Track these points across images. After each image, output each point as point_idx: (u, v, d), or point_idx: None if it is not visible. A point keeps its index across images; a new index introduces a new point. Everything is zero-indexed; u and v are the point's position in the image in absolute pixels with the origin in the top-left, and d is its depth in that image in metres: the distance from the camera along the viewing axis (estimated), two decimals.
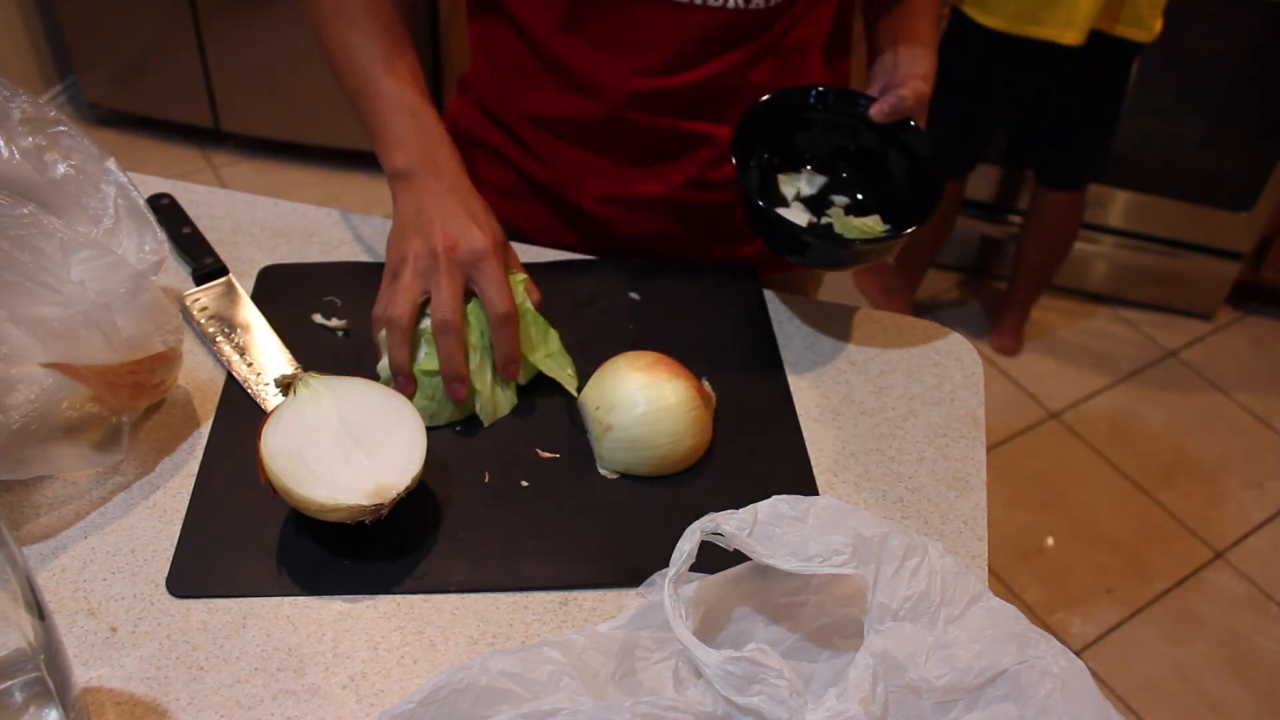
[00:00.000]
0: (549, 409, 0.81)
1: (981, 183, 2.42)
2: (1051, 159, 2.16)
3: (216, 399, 0.81)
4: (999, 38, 1.92)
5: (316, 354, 0.84)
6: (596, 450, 0.77)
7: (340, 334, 0.86)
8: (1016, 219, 2.45)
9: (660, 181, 1.00)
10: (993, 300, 2.47)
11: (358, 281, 0.91)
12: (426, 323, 0.79)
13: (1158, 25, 1.90)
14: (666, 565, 0.62)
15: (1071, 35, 1.87)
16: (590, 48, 0.92)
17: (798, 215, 0.92)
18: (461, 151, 1.07)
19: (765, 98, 0.90)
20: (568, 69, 0.94)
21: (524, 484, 0.76)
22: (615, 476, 0.77)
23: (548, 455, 0.78)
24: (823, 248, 0.88)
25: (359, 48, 0.88)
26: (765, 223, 0.87)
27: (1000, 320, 2.38)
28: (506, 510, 0.74)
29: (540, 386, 0.83)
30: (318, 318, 0.87)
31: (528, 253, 0.96)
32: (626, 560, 0.71)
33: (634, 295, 0.92)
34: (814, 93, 0.92)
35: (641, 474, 0.77)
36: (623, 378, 0.77)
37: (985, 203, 2.46)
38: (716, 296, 0.93)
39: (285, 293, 0.89)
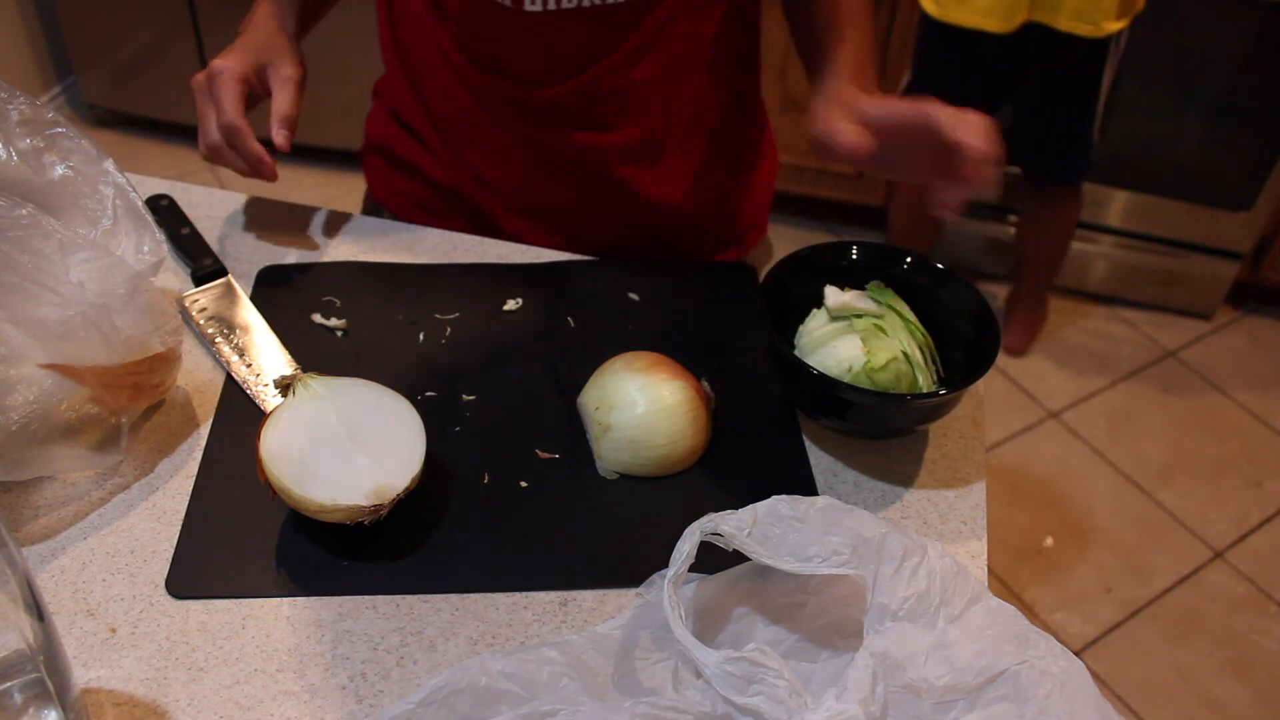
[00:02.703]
0: (547, 409, 0.81)
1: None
2: (1029, 156, 2.15)
3: (216, 400, 0.81)
4: (947, 29, 1.90)
5: (316, 354, 0.84)
6: (596, 451, 0.77)
7: (339, 334, 0.86)
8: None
9: (566, 192, 1.00)
10: (1002, 301, 2.45)
11: (357, 282, 0.91)
12: (848, 324, 0.80)
13: (1111, 24, 1.85)
14: (666, 565, 0.62)
15: (995, 24, 1.84)
16: (466, 58, 0.93)
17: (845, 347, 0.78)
18: (379, 166, 1.09)
19: (800, 251, 0.84)
20: (462, 76, 0.95)
21: (523, 484, 0.76)
22: (615, 477, 0.77)
23: (546, 456, 0.78)
24: (868, 406, 0.76)
25: None
26: (792, 374, 0.78)
27: (1007, 320, 2.38)
28: (506, 511, 0.74)
29: (537, 387, 0.83)
30: (317, 318, 0.87)
31: (527, 253, 0.96)
32: (626, 560, 0.71)
33: (633, 296, 0.92)
34: (854, 248, 0.85)
35: (641, 474, 0.77)
36: (622, 378, 0.77)
37: (991, 204, 2.46)
38: (715, 297, 0.93)
39: (285, 293, 0.89)
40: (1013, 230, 2.45)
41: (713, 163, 1.03)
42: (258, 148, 0.86)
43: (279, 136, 0.88)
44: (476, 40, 0.92)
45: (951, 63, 1.99)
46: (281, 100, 0.88)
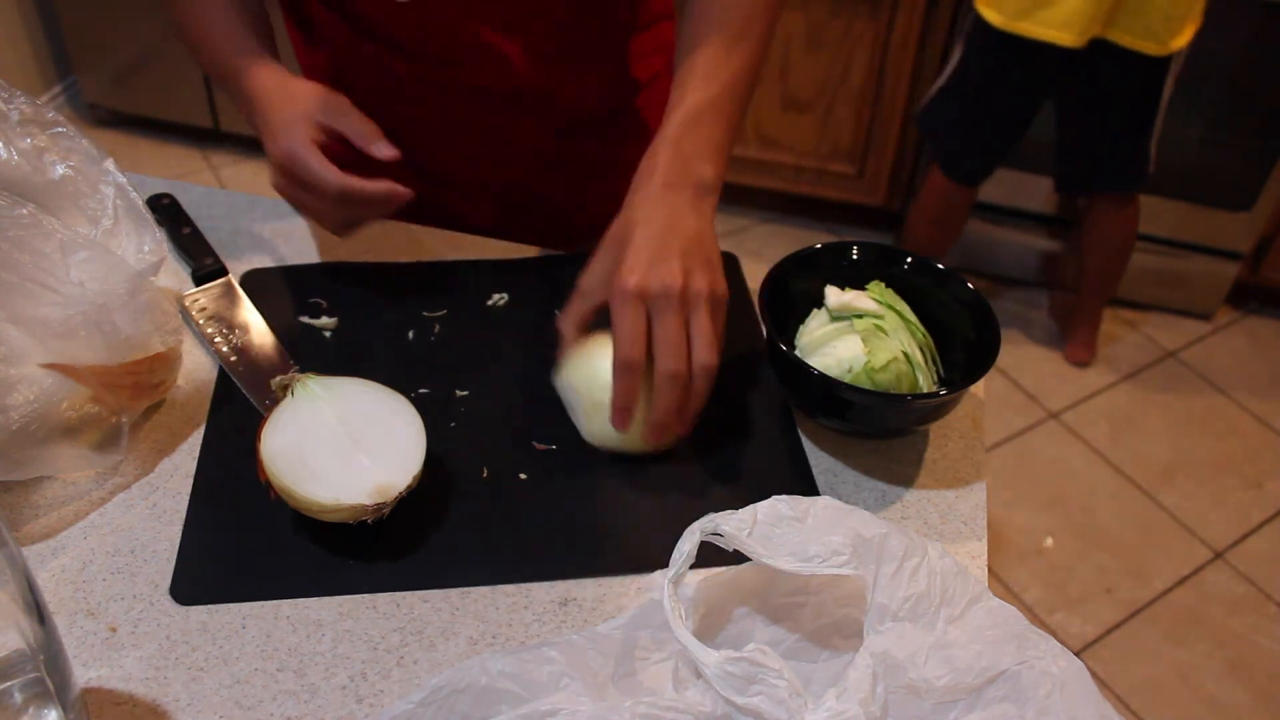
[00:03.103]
0: (541, 402, 0.81)
1: (1044, 196, 2.40)
2: (1081, 165, 2.14)
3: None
4: (1009, 38, 1.91)
5: (307, 355, 0.84)
6: (587, 430, 0.77)
7: (328, 334, 0.86)
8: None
9: (515, 165, 1.01)
10: (1063, 313, 2.44)
11: (343, 282, 0.91)
12: (849, 324, 0.79)
13: (1176, 41, 1.87)
14: (666, 553, 0.62)
15: (1068, 37, 1.85)
16: (375, 45, 0.95)
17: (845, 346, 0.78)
18: None
19: (801, 251, 0.84)
20: (377, 63, 0.96)
21: (522, 477, 0.76)
22: (608, 452, 0.76)
23: (544, 448, 0.78)
24: (869, 406, 0.76)
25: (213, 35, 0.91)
26: (792, 374, 0.78)
27: (1072, 332, 2.36)
28: (506, 504, 0.74)
29: (530, 380, 0.83)
30: (305, 319, 0.87)
31: (508, 249, 0.96)
32: (626, 549, 0.72)
33: None
34: (855, 248, 0.86)
35: (634, 449, 0.76)
36: (607, 353, 0.76)
37: (1048, 215, 2.44)
38: None
39: (271, 295, 0.89)
40: (1049, 239, 2.44)
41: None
42: (380, 185, 0.81)
43: (383, 151, 0.82)
44: (379, 25, 0.93)
45: (1004, 70, 1.99)
46: (355, 123, 0.83)
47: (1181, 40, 1.88)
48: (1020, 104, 2.06)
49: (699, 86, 0.80)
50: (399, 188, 0.81)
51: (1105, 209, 2.17)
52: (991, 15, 1.92)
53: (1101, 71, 1.93)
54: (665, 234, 0.74)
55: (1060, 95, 2.03)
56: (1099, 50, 1.88)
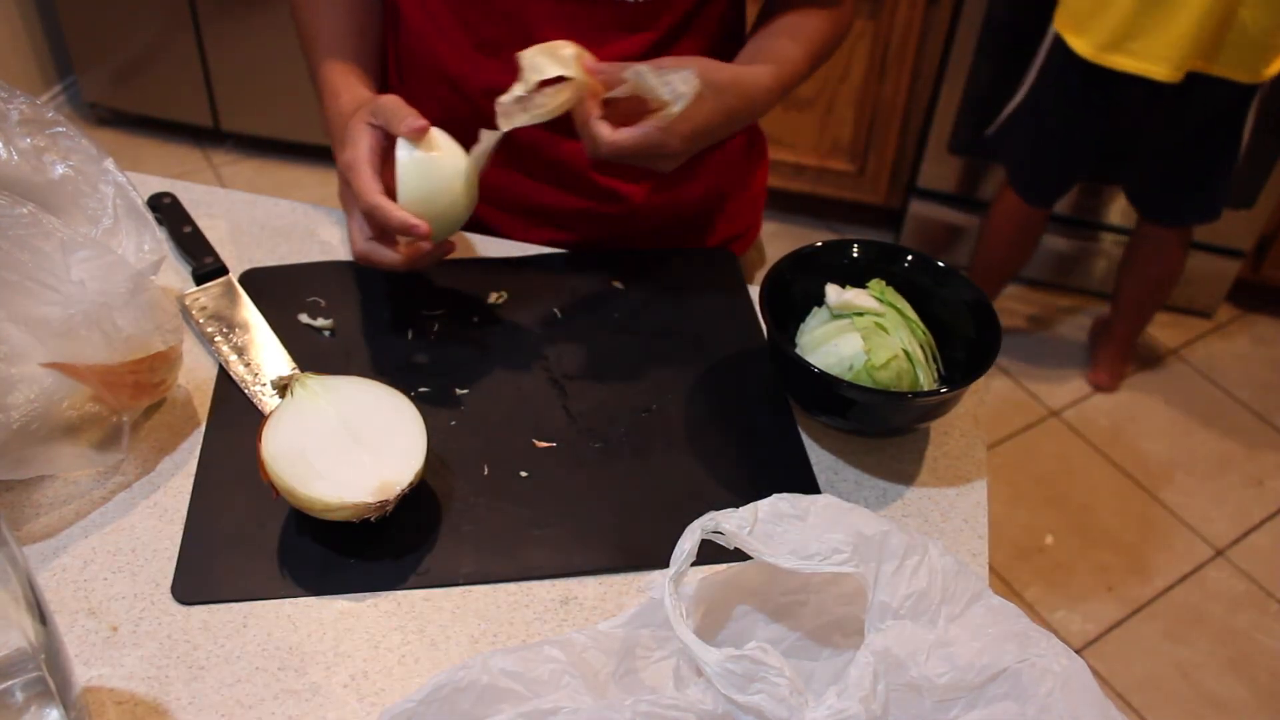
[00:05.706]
0: (541, 399, 0.82)
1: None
2: (1159, 195, 2.07)
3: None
4: (1094, 68, 1.82)
5: (305, 354, 0.84)
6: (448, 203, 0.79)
7: (327, 334, 0.86)
8: (1093, 234, 2.39)
9: (564, 194, 1.00)
10: (1094, 331, 2.37)
11: (341, 281, 0.91)
12: (850, 321, 0.80)
13: (1268, 70, 1.79)
14: (666, 551, 0.62)
15: (1164, 71, 1.76)
16: (475, 52, 0.93)
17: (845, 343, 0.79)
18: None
19: (803, 248, 0.84)
20: (455, 80, 0.95)
21: (523, 474, 0.76)
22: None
23: (544, 445, 0.78)
24: (870, 405, 0.76)
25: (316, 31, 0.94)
26: (793, 372, 0.79)
27: (1098, 354, 2.30)
28: (507, 501, 0.74)
29: (529, 378, 0.83)
30: (303, 318, 0.87)
31: (515, 247, 0.96)
32: (628, 545, 0.72)
33: (617, 284, 0.93)
34: (855, 246, 0.86)
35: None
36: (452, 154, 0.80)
37: (1066, 216, 2.40)
38: (698, 282, 0.95)
39: (268, 295, 0.89)
40: (1087, 244, 2.41)
41: (715, 160, 1.03)
42: (401, 215, 0.78)
43: (411, 123, 0.79)
44: (485, 26, 0.92)
45: (1085, 100, 1.90)
46: (399, 116, 0.80)
47: (1275, 68, 1.80)
48: (1098, 132, 1.97)
49: (774, 63, 0.92)
50: (415, 223, 0.78)
51: (1159, 238, 2.09)
52: (1079, 44, 1.82)
53: (1190, 103, 1.85)
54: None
55: (1143, 126, 1.94)
56: (1190, 81, 1.79)
